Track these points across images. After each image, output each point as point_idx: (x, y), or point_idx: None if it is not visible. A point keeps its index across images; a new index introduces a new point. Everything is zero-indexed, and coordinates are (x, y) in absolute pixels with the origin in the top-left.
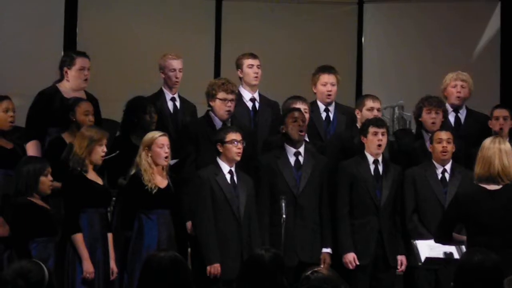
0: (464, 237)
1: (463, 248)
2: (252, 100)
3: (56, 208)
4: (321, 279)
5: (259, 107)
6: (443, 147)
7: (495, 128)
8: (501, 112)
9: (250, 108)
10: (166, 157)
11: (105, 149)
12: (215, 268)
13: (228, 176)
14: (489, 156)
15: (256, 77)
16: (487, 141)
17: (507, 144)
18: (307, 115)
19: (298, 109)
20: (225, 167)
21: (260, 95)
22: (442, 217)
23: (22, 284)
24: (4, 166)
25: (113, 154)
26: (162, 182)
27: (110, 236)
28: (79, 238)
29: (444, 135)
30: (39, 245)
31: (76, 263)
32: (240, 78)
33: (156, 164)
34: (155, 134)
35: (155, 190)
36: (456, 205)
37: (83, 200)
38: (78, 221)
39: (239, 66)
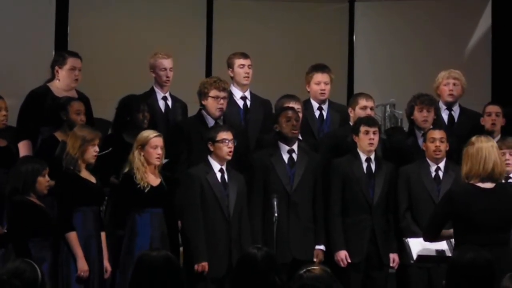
0: (451, 231)
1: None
2: (243, 98)
3: (49, 207)
4: (314, 277)
5: (250, 105)
6: (436, 146)
7: (488, 124)
8: (493, 108)
9: (241, 107)
10: (158, 158)
11: (97, 149)
12: (202, 267)
13: (218, 175)
14: (483, 154)
15: (247, 77)
16: (479, 140)
17: (494, 142)
18: (300, 114)
19: (292, 108)
20: (216, 166)
21: (251, 93)
22: (432, 215)
23: (18, 284)
24: None
25: (106, 151)
26: (155, 180)
27: (103, 234)
28: (73, 236)
29: (438, 134)
30: (36, 245)
31: (71, 261)
32: (231, 77)
33: (149, 163)
34: (150, 134)
35: (147, 189)
36: (449, 202)
37: (77, 199)
38: (72, 220)
39: (230, 65)
